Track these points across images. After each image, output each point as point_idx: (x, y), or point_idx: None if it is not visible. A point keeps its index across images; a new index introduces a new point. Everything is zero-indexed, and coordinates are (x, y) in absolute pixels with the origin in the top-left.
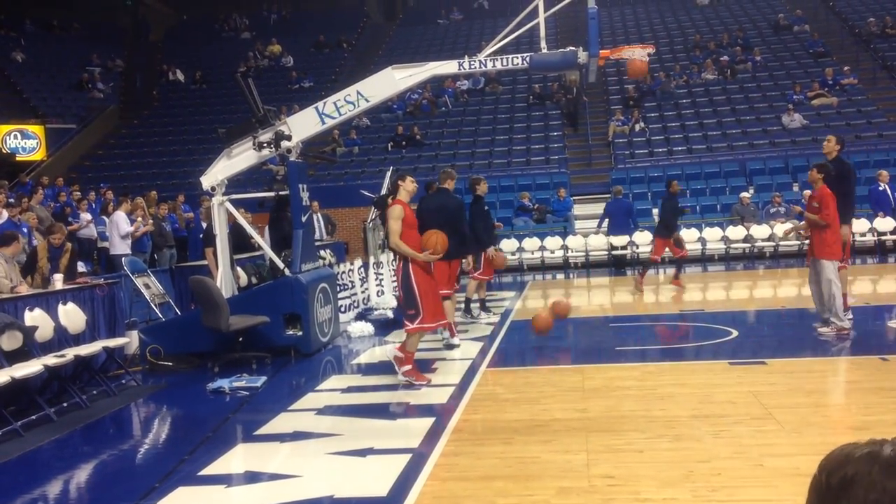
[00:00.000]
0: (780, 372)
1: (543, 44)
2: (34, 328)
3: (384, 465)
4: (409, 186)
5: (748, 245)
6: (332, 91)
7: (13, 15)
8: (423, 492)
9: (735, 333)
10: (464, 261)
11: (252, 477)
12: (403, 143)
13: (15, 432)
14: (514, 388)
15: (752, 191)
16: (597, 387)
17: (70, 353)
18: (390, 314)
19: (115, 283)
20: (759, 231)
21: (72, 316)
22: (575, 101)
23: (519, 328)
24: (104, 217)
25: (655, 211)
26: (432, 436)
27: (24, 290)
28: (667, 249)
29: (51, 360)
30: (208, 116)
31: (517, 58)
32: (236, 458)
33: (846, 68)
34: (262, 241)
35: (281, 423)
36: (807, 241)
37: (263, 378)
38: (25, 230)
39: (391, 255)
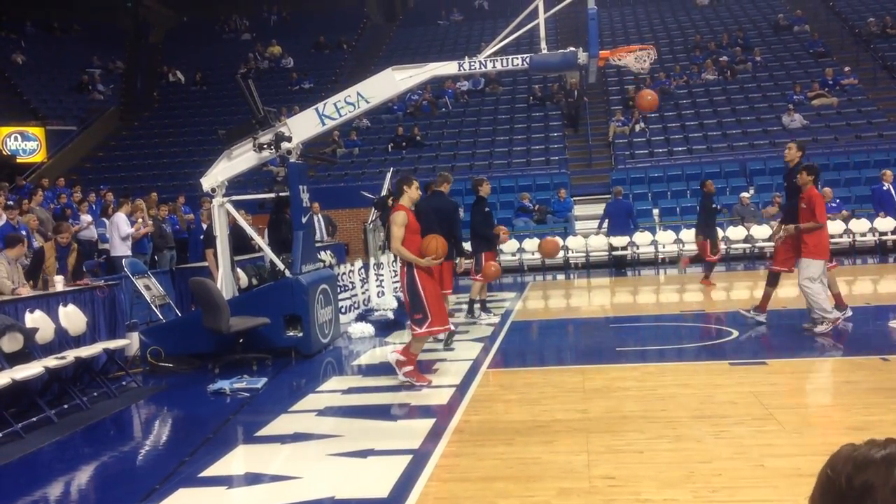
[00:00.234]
0: (780, 372)
1: (543, 45)
2: (35, 330)
3: (385, 467)
4: (413, 194)
5: (748, 245)
6: (332, 92)
7: (13, 17)
8: (424, 493)
9: (736, 334)
10: (455, 262)
11: (253, 478)
12: (404, 143)
13: (16, 434)
14: (514, 388)
15: (752, 191)
16: (597, 387)
17: (71, 354)
18: (391, 315)
19: (115, 284)
20: (760, 231)
21: (72, 318)
22: (575, 103)
23: (519, 329)
24: (104, 219)
25: (656, 211)
26: (433, 437)
27: (25, 291)
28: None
29: (51, 361)
30: (208, 118)
31: (517, 59)
32: (237, 460)
33: (846, 68)
34: (263, 242)
35: (282, 424)
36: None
37: (264, 379)
38: (24, 232)
39: (391, 257)
